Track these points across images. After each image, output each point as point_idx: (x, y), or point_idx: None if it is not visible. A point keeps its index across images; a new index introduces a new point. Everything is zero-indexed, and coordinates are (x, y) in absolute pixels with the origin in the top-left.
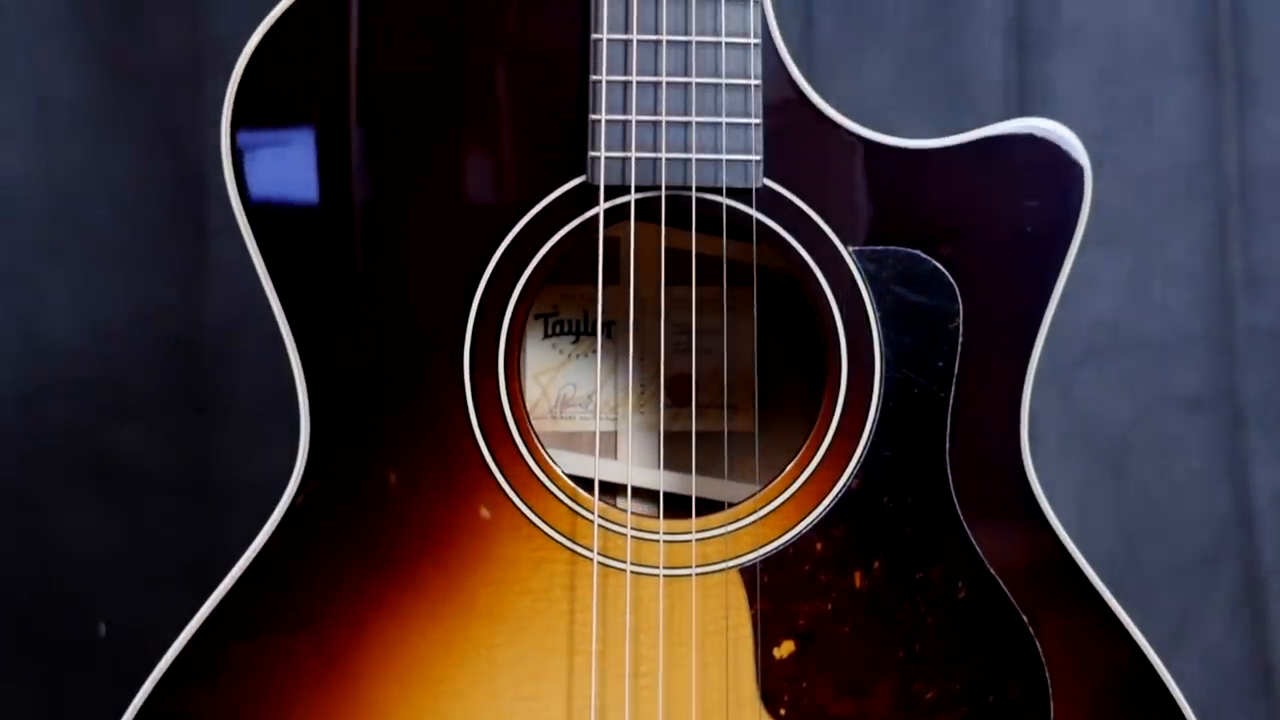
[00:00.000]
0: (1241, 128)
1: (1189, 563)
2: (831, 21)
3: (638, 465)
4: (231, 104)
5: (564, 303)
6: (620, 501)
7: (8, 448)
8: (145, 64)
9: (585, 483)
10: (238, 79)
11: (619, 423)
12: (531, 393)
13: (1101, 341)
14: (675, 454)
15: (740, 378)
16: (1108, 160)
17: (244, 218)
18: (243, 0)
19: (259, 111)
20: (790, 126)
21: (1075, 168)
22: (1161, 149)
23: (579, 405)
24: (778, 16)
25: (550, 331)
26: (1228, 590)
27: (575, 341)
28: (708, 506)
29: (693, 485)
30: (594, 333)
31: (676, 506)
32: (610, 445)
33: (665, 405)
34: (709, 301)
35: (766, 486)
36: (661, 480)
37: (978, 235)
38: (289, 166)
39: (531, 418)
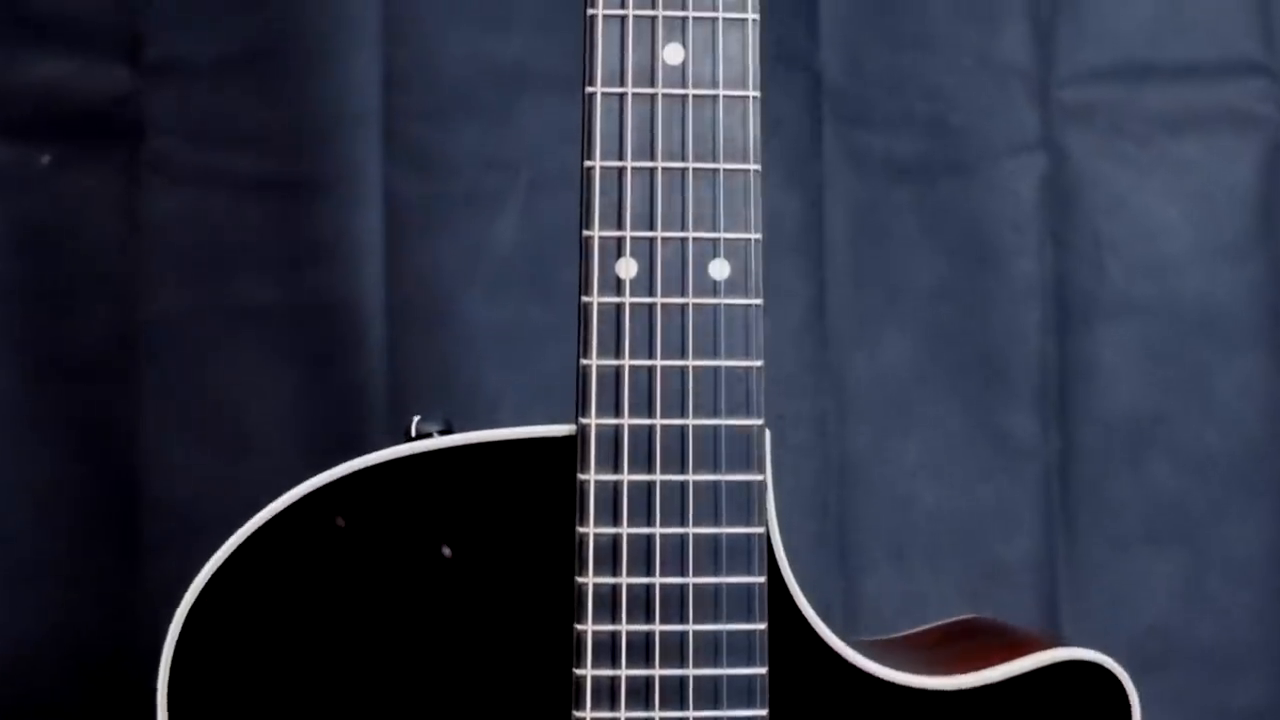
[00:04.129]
0: None
1: None
2: (847, 290)
3: None
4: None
5: None
6: None
7: None
8: (70, 355)
9: None
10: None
11: None
12: None
13: (1153, 652)
14: None
15: None
16: (1159, 445)
17: None
18: (178, 281)
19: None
20: (799, 669)
21: (1121, 699)
22: (1220, 431)
23: None
24: (782, 285)
25: None
26: None
27: None
28: None
29: None
30: None
31: None
32: None
33: None
34: None
35: None
36: None
37: None
38: None
39: None
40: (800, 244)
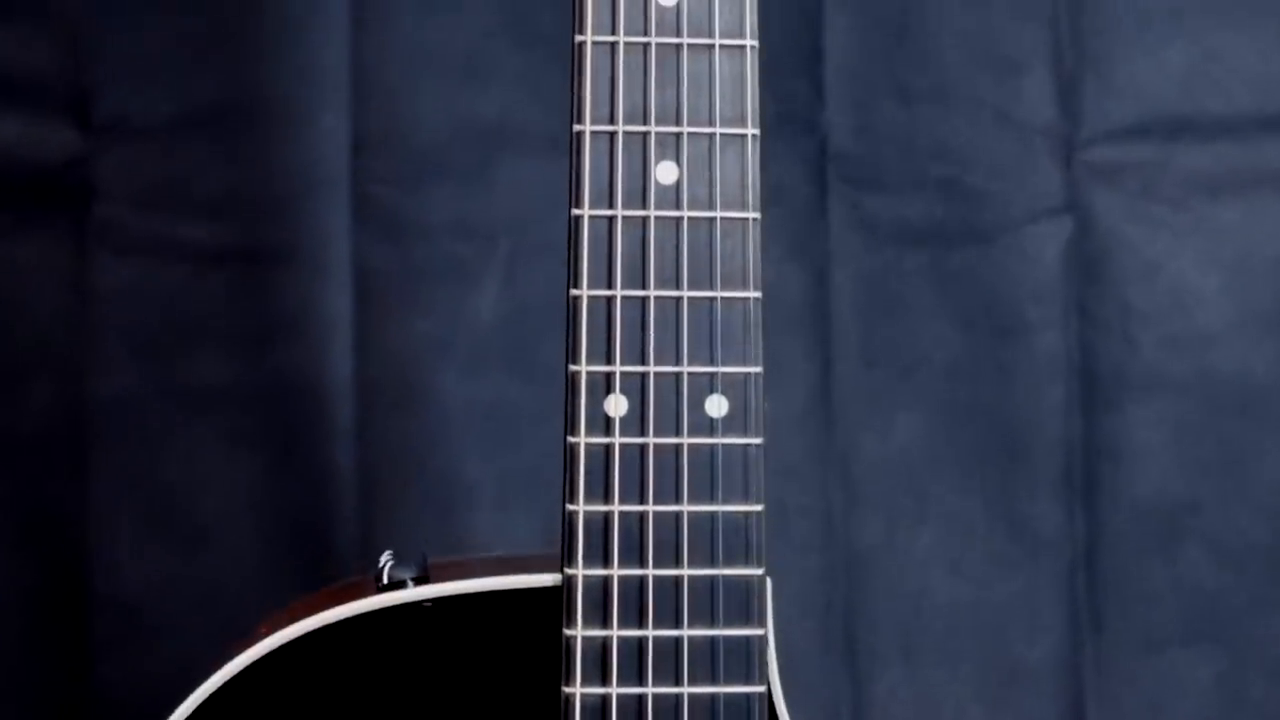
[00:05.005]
0: None
1: None
2: (855, 368)
3: None
4: None
5: None
6: None
7: None
8: (10, 437)
9: None
10: None
11: None
12: None
13: None
14: None
15: None
16: (1193, 534)
17: None
18: (129, 359)
19: None
20: None
21: None
22: (1260, 519)
23: None
24: (785, 363)
25: None
26: None
27: None
28: None
29: None
30: None
31: None
32: None
33: None
34: None
35: None
36: None
37: None
38: None
39: None
40: (804, 319)
